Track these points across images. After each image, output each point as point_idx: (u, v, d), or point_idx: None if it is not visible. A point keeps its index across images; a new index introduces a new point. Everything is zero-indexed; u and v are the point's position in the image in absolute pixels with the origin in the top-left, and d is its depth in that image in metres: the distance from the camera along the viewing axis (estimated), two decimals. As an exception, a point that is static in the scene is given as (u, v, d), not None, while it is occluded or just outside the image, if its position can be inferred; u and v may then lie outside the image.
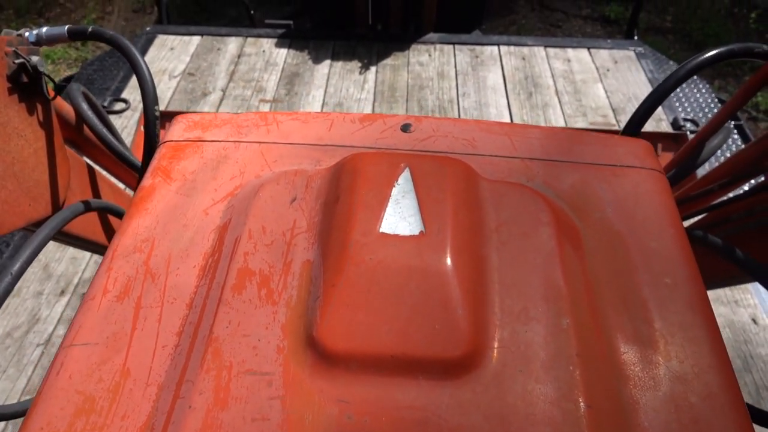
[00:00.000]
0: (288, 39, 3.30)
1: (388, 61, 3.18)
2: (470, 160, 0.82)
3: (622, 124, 2.53)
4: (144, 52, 3.16)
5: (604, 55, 3.18)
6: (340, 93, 2.96)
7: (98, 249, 1.29)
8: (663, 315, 0.65)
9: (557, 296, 0.63)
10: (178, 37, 3.30)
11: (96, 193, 1.26)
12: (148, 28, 3.39)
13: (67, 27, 1.02)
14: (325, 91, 2.96)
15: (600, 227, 0.75)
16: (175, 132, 0.90)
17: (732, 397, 0.58)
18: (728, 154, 2.55)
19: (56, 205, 1.06)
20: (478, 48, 3.25)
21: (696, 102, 2.85)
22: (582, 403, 0.55)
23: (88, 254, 2.22)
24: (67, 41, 1.04)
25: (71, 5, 5.68)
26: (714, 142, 1.19)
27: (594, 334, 0.62)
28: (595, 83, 3.00)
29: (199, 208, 0.77)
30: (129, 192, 1.53)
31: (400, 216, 0.68)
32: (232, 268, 0.67)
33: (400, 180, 0.72)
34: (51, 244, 1.56)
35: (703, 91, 2.90)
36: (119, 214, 1.18)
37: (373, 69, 3.12)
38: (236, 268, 0.66)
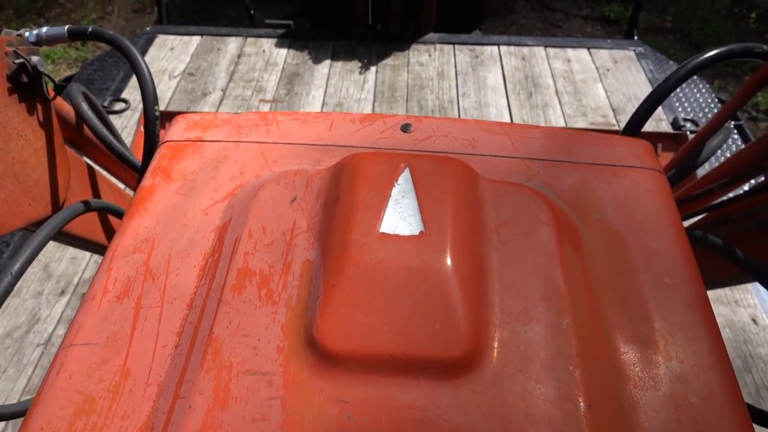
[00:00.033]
0: (288, 39, 3.30)
1: (388, 61, 3.18)
2: (470, 160, 0.82)
3: (622, 124, 2.53)
4: (144, 52, 3.16)
5: (604, 55, 3.18)
6: (340, 93, 2.96)
7: (98, 249, 1.29)
8: (663, 315, 0.65)
9: (557, 296, 0.63)
10: (178, 37, 3.30)
11: (96, 193, 1.26)
12: (148, 28, 3.39)
13: (67, 27, 1.02)
14: (325, 91, 2.97)
15: (600, 227, 0.75)
16: (175, 132, 0.90)
17: (732, 397, 0.59)
18: (728, 154, 2.55)
19: (56, 205, 1.06)
20: (478, 48, 3.25)
21: (696, 102, 2.85)
22: (582, 403, 0.55)
23: (88, 254, 2.22)
24: (67, 41, 1.04)
25: (71, 5, 5.68)
26: (714, 142, 1.19)
27: (594, 334, 0.62)
28: (595, 83, 3.00)
29: (199, 208, 0.77)
30: (129, 192, 1.53)
31: (400, 216, 0.68)
32: (232, 268, 0.67)
33: (400, 180, 0.72)
34: (51, 243, 1.56)
35: (703, 91, 2.90)
36: (119, 214, 1.18)
37: (373, 69, 3.12)
38: (236, 268, 0.67)
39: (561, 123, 2.78)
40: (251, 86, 2.99)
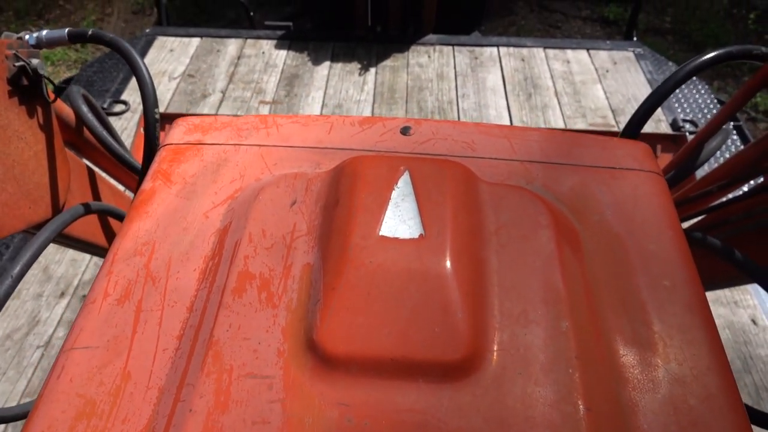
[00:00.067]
0: (287, 40, 3.30)
1: (388, 62, 3.18)
2: (470, 162, 0.82)
3: (622, 125, 2.53)
4: (143, 53, 3.16)
5: (603, 56, 3.18)
6: (340, 94, 2.97)
7: (98, 251, 1.29)
8: (662, 317, 0.65)
9: (556, 299, 0.63)
10: (178, 39, 3.30)
11: (96, 196, 1.26)
12: (147, 30, 3.39)
13: (67, 30, 1.03)
14: (325, 93, 2.97)
15: (599, 230, 0.75)
16: (175, 135, 0.90)
17: (731, 399, 0.59)
18: (727, 156, 2.56)
19: (56, 208, 1.06)
20: (477, 49, 3.25)
21: (695, 103, 2.85)
22: (581, 406, 0.55)
23: (87, 256, 2.23)
24: (67, 44, 1.04)
25: (71, 7, 5.68)
26: (713, 144, 1.19)
27: (593, 336, 0.62)
28: (594, 84, 3.00)
29: (200, 211, 0.78)
30: (129, 194, 1.53)
31: (399, 219, 0.68)
32: (232, 272, 0.67)
33: (400, 183, 0.72)
34: (51, 246, 1.56)
35: (702, 92, 2.90)
36: (119, 217, 1.18)
37: (372, 70, 3.12)
38: (236, 271, 0.67)
39: (560, 124, 2.78)
40: (251, 88, 2.99)
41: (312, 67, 3.13)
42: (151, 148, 1.00)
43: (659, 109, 2.78)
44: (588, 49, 3.22)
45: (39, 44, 1.01)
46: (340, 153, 0.85)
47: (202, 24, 5.10)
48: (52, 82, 0.98)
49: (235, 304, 0.63)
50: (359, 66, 3.15)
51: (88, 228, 1.20)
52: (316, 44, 3.28)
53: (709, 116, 2.77)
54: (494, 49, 3.25)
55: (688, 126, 2.70)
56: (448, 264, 0.63)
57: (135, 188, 1.23)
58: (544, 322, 0.61)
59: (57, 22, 5.46)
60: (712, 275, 1.22)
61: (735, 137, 2.65)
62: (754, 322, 2.03)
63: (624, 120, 2.79)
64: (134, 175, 1.22)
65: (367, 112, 2.86)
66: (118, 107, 2.80)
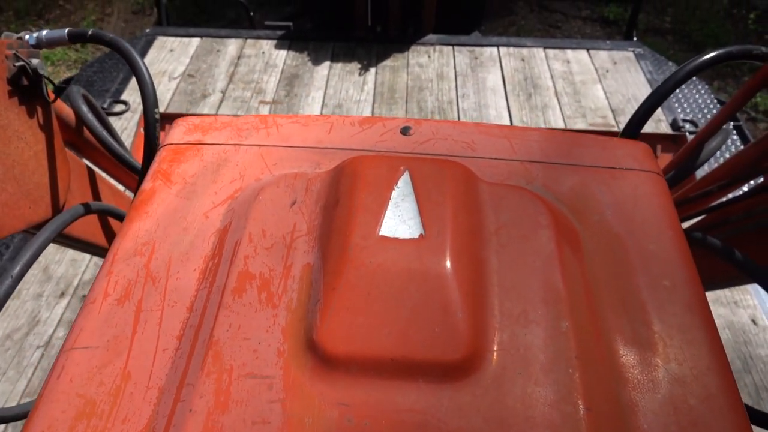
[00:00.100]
0: (287, 40, 3.30)
1: (388, 62, 3.18)
2: (470, 162, 0.82)
3: (622, 125, 2.53)
4: (143, 53, 3.16)
5: (603, 56, 3.18)
6: (340, 94, 2.97)
7: (98, 251, 1.29)
8: (662, 317, 0.65)
9: (556, 299, 0.63)
10: (178, 39, 3.30)
11: (96, 196, 1.26)
12: (147, 30, 3.40)
13: (67, 30, 1.03)
14: (325, 93, 2.97)
15: (599, 230, 0.75)
16: (175, 135, 0.90)
17: (731, 399, 0.59)
18: (727, 155, 2.56)
19: (56, 208, 1.06)
20: (477, 49, 3.25)
21: (695, 103, 2.85)
22: (581, 406, 0.55)
23: (87, 256, 2.23)
24: (67, 44, 1.04)
25: (71, 7, 5.69)
26: (713, 144, 1.19)
27: (593, 336, 0.62)
28: (594, 84, 3.00)
29: (200, 211, 0.78)
30: (129, 194, 1.53)
31: (399, 219, 0.68)
32: (232, 272, 0.67)
33: (400, 183, 0.72)
34: (51, 245, 1.56)
35: (702, 92, 2.90)
36: (119, 217, 1.18)
37: (372, 70, 3.12)
38: (236, 271, 0.67)
39: (560, 124, 2.78)
40: (251, 88, 2.99)
41: (312, 67, 3.13)
42: (151, 148, 1.01)
43: (659, 109, 2.78)
44: (588, 49, 3.23)
45: (39, 44, 1.01)
46: (340, 153, 0.85)
47: (202, 24, 5.10)
48: (52, 82, 0.98)
49: (235, 304, 0.63)
50: (359, 66, 3.15)
51: (88, 228, 1.20)
52: (316, 44, 3.28)
53: (709, 116, 2.77)
54: (494, 49, 3.25)
55: (688, 126, 2.70)
56: (448, 264, 0.63)
57: (135, 188, 1.23)
58: (544, 322, 0.61)
59: (57, 22, 5.47)
60: (712, 275, 1.22)
61: (735, 137, 2.65)
62: (754, 322, 2.03)
63: (624, 120, 2.79)
64: (134, 175, 1.22)
65: (367, 112, 2.86)
66: (118, 107, 2.80)
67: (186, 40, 3.30)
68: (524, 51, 3.23)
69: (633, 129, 1.02)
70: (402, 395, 0.56)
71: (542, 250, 0.68)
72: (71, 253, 2.23)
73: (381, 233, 0.66)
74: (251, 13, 3.64)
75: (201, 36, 3.33)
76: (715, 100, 2.86)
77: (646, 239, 0.74)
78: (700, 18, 5.40)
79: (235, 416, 0.55)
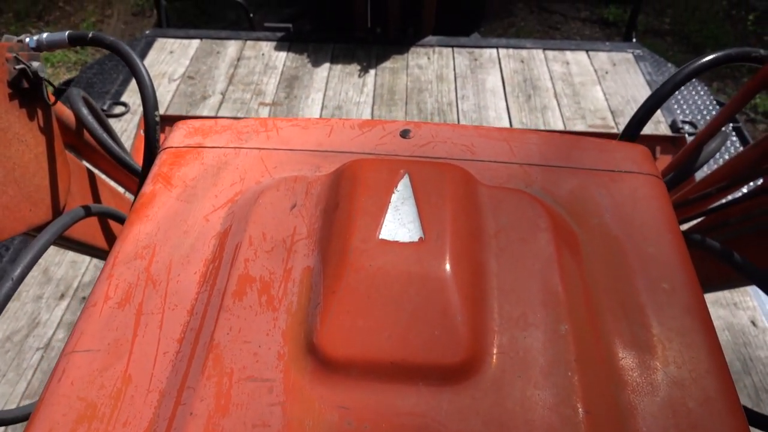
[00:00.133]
0: (287, 42, 3.31)
1: (387, 64, 3.18)
2: (469, 165, 0.83)
3: (621, 127, 2.53)
4: (143, 55, 3.16)
5: (602, 57, 3.19)
6: (340, 96, 2.97)
7: (98, 253, 1.29)
8: (661, 320, 0.65)
9: (556, 302, 0.63)
10: (178, 41, 3.30)
11: (96, 198, 1.27)
12: (147, 32, 3.40)
13: (67, 33, 1.03)
14: (324, 94, 2.97)
15: (598, 233, 0.75)
16: (175, 138, 0.90)
17: (729, 402, 0.59)
18: (727, 157, 2.56)
19: (57, 210, 1.06)
20: (476, 51, 3.26)
21: (694, 104, 2.85)
22: (580, 409, 0.55)
23: (87, 258, 2.23)
24: (68, 47, 1.05)
25: (71, 8, 5.69)
26: (712, 145, 1.19)
27: (592, 339, 0.62)
28: (593, 86, 3.00)
29: (200, 214, 0.78)
30: (129, 196, 1.53)
31: (399, 222, 0.68)
32: (232, 275, 0.67)
33: (400, 186, 0.72)
34: (51, 248, 1.56)
35: (702, 93, 2.91)
36: (119, 219, 1.18)
37: (372, 72, 3.13)
38: (237, 274, 0.67)
39: (560, 126, 2.78)
40: (251, 89, 3.00)
41: (312, 69, 3.13)
42: (151, 150, 1.01)
43: (658, 111, 2.78)
44: (587, 51, 3.23)
45: (39, 47, 1.01)
46: (340, 156, 0.85)
47: (202, 26, 5.11)
48: (52, 85, 0.98)
49: (236, 308, 0.64)
50: (359, 68, 3.15)
51: (89, 230, 1.21)
52: (315, 46, 3.28)
53: (708, 118, 2.78)
54: (494, 51, 3.25)
55: (687, 127, 2.71)
56: (448, 267, 0.63)
57: (135, 191, 1.23)
58: (543, 325, 0.62)
59: (57, 24, 5.47)
60: (711, 277, 1.22)
61: (734, 139, 2.66)
62: (753, 323, 2.03)
63: (623, 121, 2.79)
64: (134, 177, 1.22)
65: (367, 114, 2.86)
66: (118, 109, 2.80)
67: (186, 41, 3.30)
68: (524, 52, 3.23)
69: (632, 131, 1.02)
70: (402, 398, 0.56)
71: (541, 253, 0.68)
72: (71, 255, 2.23)
73: (381, 236, 0.66)
74: (251, 15, 3.64)
75: (201, 38, 3.33)
76: (714, 102, 2.86)
77: (644, 242, 0.74)
78: (699, 19, 5.41)
79: (236, 419, 0.55)
